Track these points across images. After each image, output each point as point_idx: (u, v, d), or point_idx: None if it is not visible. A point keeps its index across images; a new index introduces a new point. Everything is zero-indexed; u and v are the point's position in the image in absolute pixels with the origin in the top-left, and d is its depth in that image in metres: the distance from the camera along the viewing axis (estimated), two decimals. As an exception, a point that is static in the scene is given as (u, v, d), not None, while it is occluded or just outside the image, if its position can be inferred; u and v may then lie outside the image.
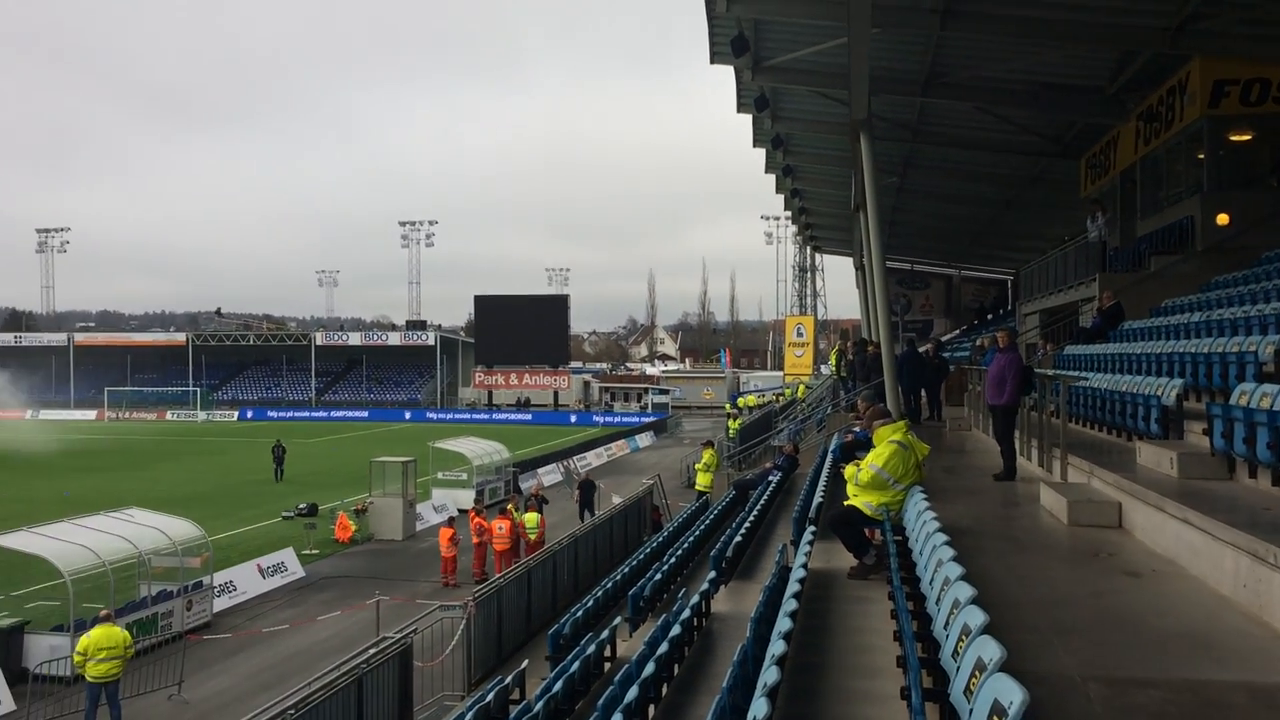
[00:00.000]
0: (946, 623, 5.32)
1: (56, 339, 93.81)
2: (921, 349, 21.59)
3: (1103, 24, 16.60)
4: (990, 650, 4.09)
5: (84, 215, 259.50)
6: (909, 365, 18.74)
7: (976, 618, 4.64)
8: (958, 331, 44.64)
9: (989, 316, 42.53)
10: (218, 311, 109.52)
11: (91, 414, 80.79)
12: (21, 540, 17.51)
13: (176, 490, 37.05)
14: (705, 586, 10.51)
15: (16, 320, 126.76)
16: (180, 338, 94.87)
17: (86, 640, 14.31)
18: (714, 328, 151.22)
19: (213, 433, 67.99)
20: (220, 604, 20.78)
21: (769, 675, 5.34)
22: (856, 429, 16.03)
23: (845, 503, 8.97)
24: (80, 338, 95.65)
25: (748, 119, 25.44)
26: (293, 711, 9.82)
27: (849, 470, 9.24)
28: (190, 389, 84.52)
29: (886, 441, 8.78)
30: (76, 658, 14.47)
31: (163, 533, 19.63)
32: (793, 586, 7.39)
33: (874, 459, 8.73)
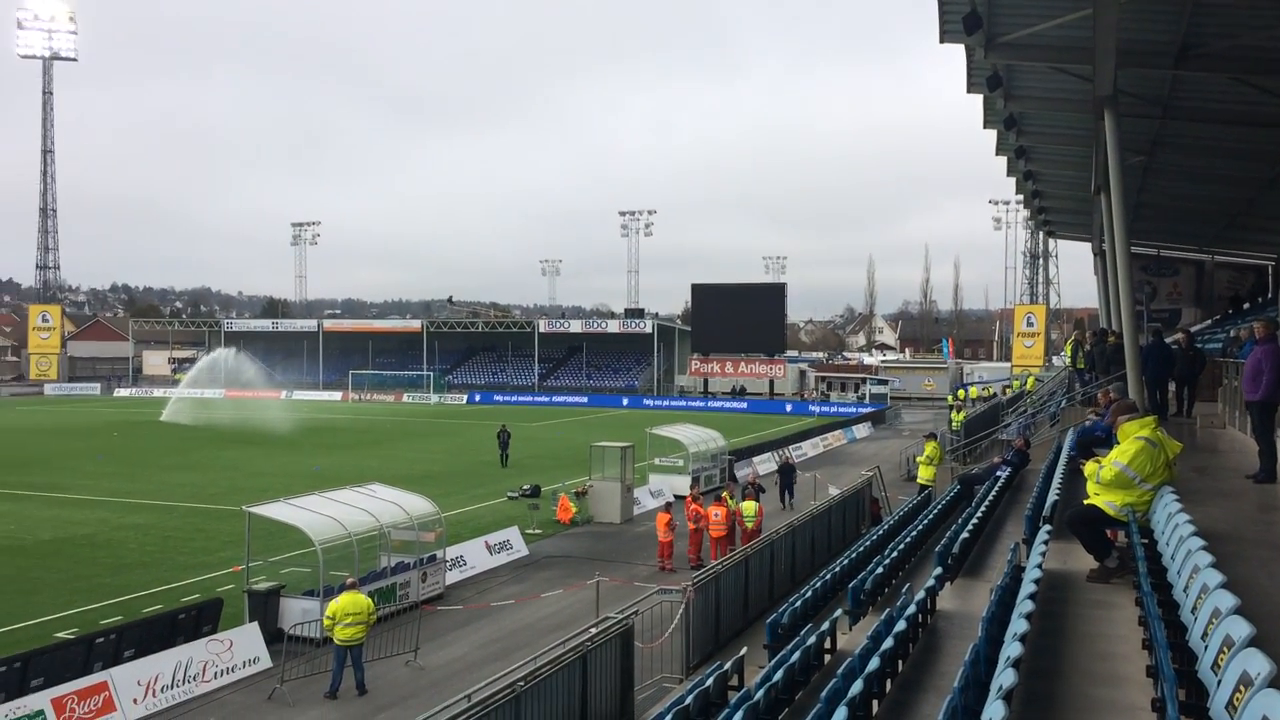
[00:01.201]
0: (1205, 633, 4.98)
1: (308, 325, 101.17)
2: (1171, 340, 20.13)
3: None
4: (1258, 664, 3.79)
5: (333, 210, 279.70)
6: (1154, 357, 17.52)
7: (1241, 629, 4.31)
8: (1209, 321, 41.28)
9: (1245, 305, 39.09)
10: (450, 300, 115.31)
11: (337, 395, 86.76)
12: (278, 510, 18.92)
13: (412, 468, 39.31)
14: (930, 583, 10.20)
15: (274, 308, 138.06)
16: (416, 324, 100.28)
17: (335, 606, 15.38)
18: (936, 316, 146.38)
19: (444, 415, 71.62)
20: (452, 577, 21.85)
21: (1005, 678, 5.13)
22: (1089, 422, 15.14)
23: (1085, 502, 8.48)
24: (328, 324, 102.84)
25: (975, 100, 24.39)
26: (523, 683, 10.23)
27: (1089, 467, 8.73)
28: (424, 373, 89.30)
29: (1133, 438, 8.23)
30: (326, 621, 15.58)
31: (401, 508, 20.81)
32: (1027, 587, 7.07)
33: (1119, 456, 8.20)
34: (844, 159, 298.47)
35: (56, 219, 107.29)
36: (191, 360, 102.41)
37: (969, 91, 23.07)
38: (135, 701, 14.35)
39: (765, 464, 40.09)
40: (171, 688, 14.92)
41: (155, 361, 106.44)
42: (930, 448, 26.08)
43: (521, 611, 19.81)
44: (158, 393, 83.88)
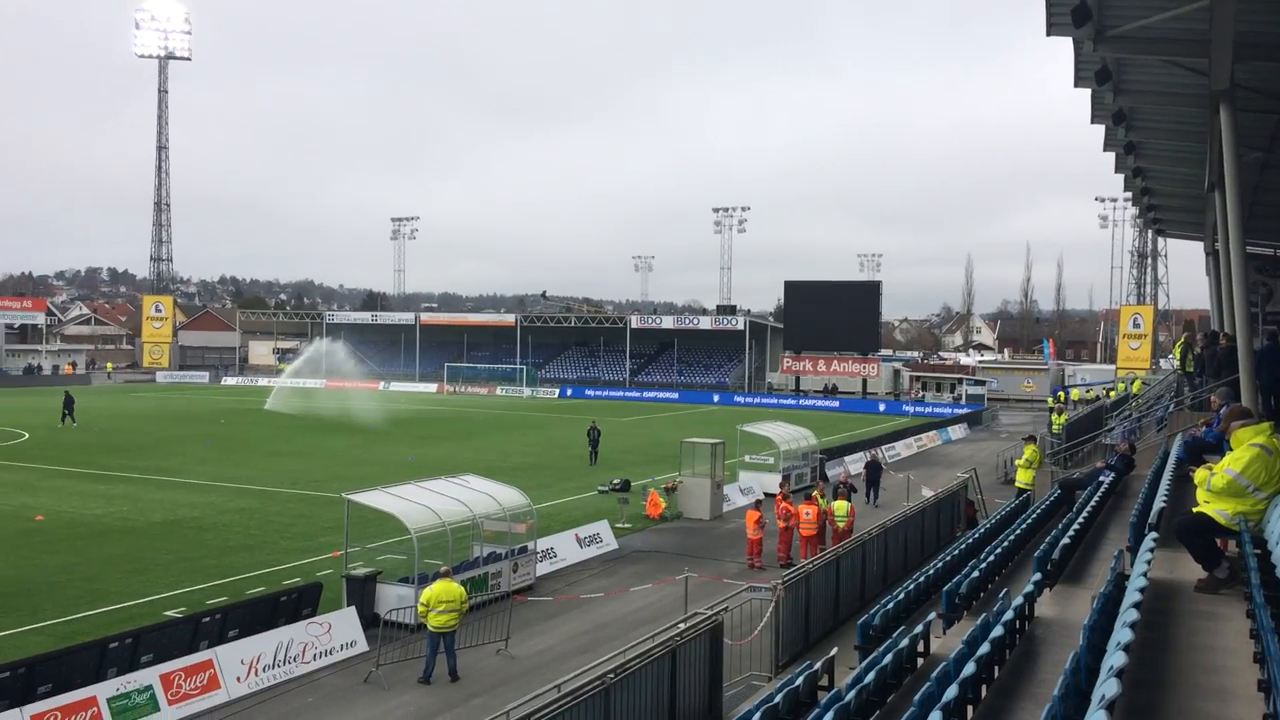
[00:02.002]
0: (1323, 649, 4.77)
1: (405, 318, 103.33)
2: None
3: None
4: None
5: (431, 206, 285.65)
6: (1270, 361, 16.81)
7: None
8: (1329, 325, 39.41)
9: (1368, 309, 37.24)
10: (543, 294, 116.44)
11: (433, 387, 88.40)
12: (376, 499, 19.35)
13: (504, 460, 39.87)
14: (1029, 588, 9.96)
15: (373, 300, 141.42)
16: (509, 318, 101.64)
17: (429, 593, 15.69)
18: (1037, 316, 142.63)
19: (536, 408, 72.44)
20: (542, 568, 22.10)
21: (1107, 688, 4.99)
22: (1202, 430, 14.60)
23: (1194, 509, 8.19)
24: (425, 317, 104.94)
25: (1081, 94, 23.66)
26: (612, 675, 10.30)
27: (1199, 474, 8.43)
28: (517, 366, 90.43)
29: (1247, 445, 7.91)
30: (420, 608, 15.91)
31: (494, 499, 21.11)
32: (1132, 596, 6.86)
33: (1231, 463, 7.90)
34: (940, 156, 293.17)
35: (170, 213, 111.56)
36: (295, 351, 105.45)
37: (1076, 86, 22.40)
38: (238, 680, 14.85)
39: (857, 464, 39.61)
40: (273, 667, 15.40)
41: (260, 351, 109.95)
42: (1029, 451, 25.43)
43: (610, 605, 19.94)
44: (262, 381, 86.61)
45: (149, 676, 13.80)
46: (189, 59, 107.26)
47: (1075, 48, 20.15)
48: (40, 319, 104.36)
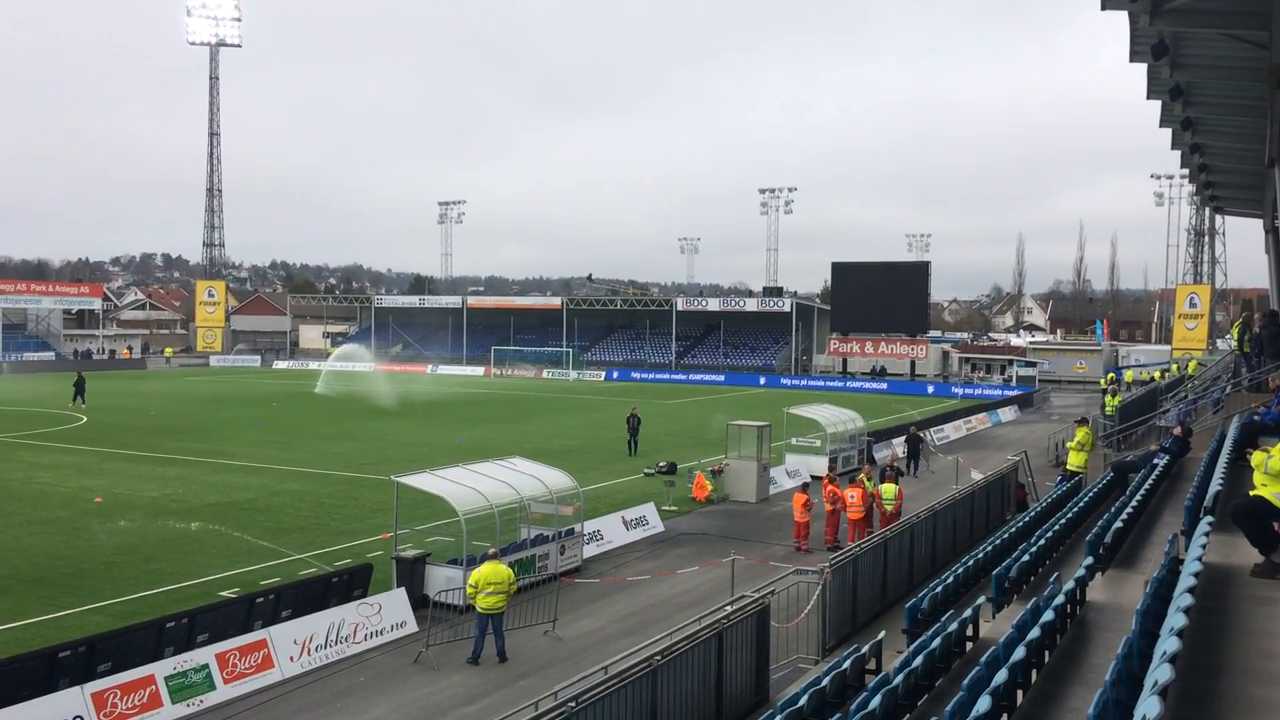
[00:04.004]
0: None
1: (452, 302, 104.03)
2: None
3: None
4: None
5: (477, 190, 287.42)
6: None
7: None
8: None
9: None
10: (589, 277, 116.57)
11: (480, 370, 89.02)
12: (424, 481, 19.52)
13: (550, 443, 40.07)
14: (1080, 572, 9.84)
15: (421, 284, 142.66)
16: (556, 301, 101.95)
17: (477, 575, 15.83)
18: (1090, 296, 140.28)
19: (582, 391, 72.67)
20: (589, 551, 22.20)
21: (1161, 673, 4.92)
22: (1260, 411, 14.30)
23: (1251, 493, 8.04)
24: (472, 301, 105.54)
25: (1135, 70, 23.17)
26: (659, 657, 10.34)
27: (1257, 457, 8.26)
28: (563, 349, 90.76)
29: (1307, 426, 7.75)
30: (468, 589, 16.06)
31: (541, 481, 21.23)
32: (1186, 580, 6.75)
33: (1291, 445, 7.74)
34: (988, 134, 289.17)
35: (222, 199, 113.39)
36: (345, 335, 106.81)
37: (1132, 60, 21.95)
38: (291, 659, 15.11)
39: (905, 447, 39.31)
40: (325, 647, 15.65)
41: (311, 335, 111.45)
42: (1082, 433, 25.06)
43: (657, 587, 20.00)
44: (313, 365, 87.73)
45: (205, 655, 14.08)
46: (239, 45, 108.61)
47: (1131, 22, 19.73)
48: (97, 304, 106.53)
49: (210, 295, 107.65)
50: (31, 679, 12.50)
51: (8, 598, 18.25)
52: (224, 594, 18.32)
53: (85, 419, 47.13)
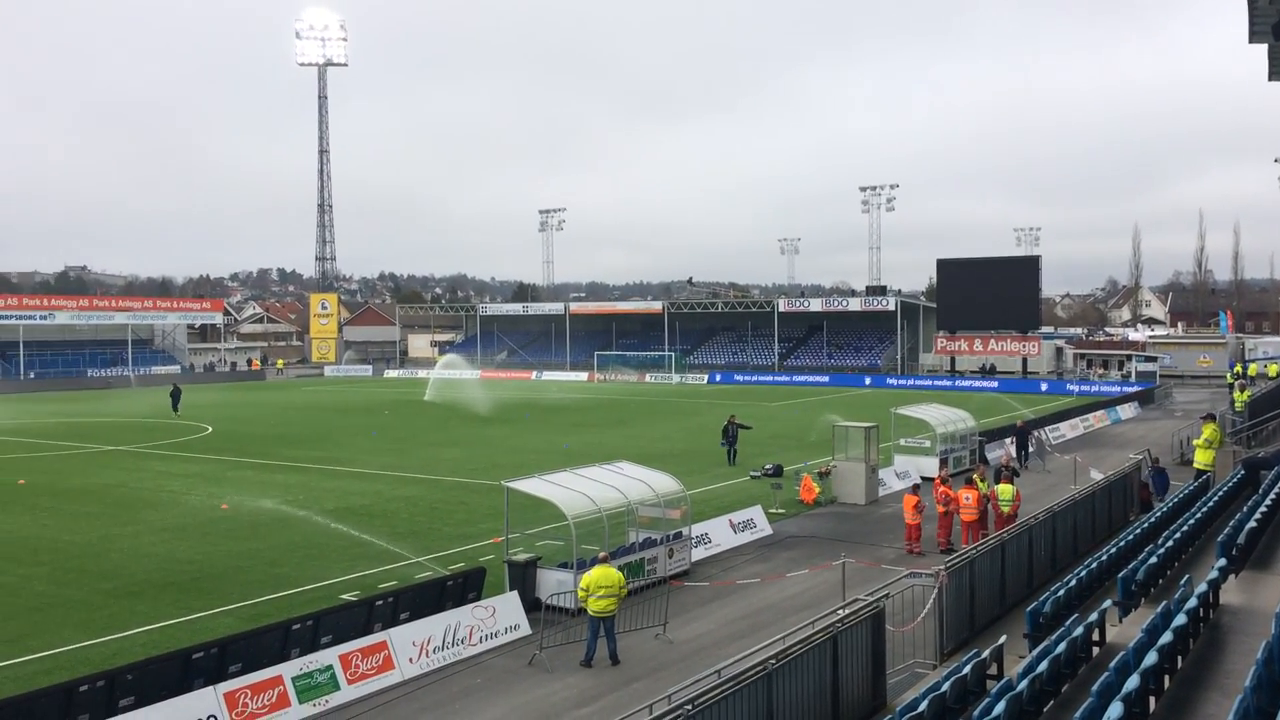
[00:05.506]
0: None
1: (554, 308, 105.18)
2: None
3: None
4: None
5: (576, 197, 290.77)
6: None
7: None
8: None
9: None
10: (689, 281, 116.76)
11: (583, 375, 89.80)
12: (533, 486, 19.75)
13: (655, 446, 40.19)
14: (1213, 575, 9.46)
15: (523, 292, 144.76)
16: (657, 306, 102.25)
17: (588, 578, 15.95)
18: (1212, 288, 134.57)
19: (685, 394, 72.68)
20: (697, 554, 22.16)
21: (1310, 680, 4.70)
22: None
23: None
24: (574, 307, 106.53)
25: (1255, 51, 22.20)
26: (774, 661, 10.27)
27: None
28: (665, 353, 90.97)
29: None
30: (580, 593, 16.19)
31: (648, 485, 21.27)
32: (1333, 583, 6.43)
33: None
34: (1094, 124, 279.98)
35: (332, 214, 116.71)
36: (451, 343, 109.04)
37: (1252, 41, 21.04)
38: (410, 661, 15.46)
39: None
40: (442, 649, 15.97)
41: (419, 344, 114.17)
42: (1209, 430, 24.06)
43: (767, 590, 19.87)
44: (421, 373, 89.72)
45: (329, 657, 14.51)
46: (345, 65, 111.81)
47: (1250, 1, 18.92)
48: (218, 319, 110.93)
49: (323, 307, 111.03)
50: (168, 680, 13.05)
51: (143, 601, 19.12)
52: (345, 597, 18.83)
53: (210, 429, 49.07)
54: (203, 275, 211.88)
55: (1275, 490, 13.81)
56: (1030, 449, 36.58)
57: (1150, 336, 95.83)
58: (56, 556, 22.72)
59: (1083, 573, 13.59)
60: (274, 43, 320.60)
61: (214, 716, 12.82)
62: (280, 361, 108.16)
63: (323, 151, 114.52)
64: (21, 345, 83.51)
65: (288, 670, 13.93)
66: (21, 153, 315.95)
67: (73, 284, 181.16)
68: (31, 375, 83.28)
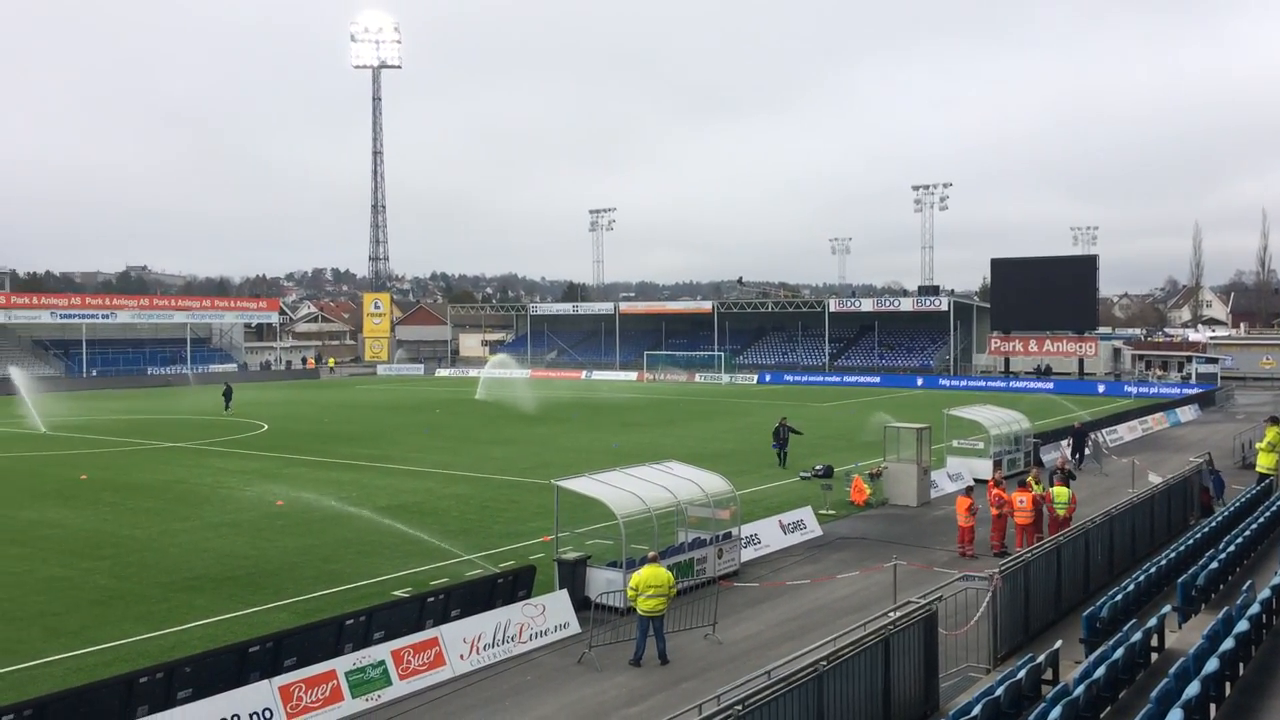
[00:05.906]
0: None
1: (604, 308, 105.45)
2: None
3: None
4: None
5: (626, 197, 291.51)
6: None
7: None
8: None
9: None
10: (739, 280, 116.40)
11: (633, 375, 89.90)
12: (583, 485, 19.80)
13: (705, 446, 40.13)
14: (1276, 580, 9.24)
15: (573, 291, 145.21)
16: (706, 305, 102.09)
17: (637, 578, 15.97)
18: (1275, 288, 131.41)
19: (735, 394, 72.48)
20: (746, 555, 22.09)
21: (1380, 690, 4.57)
22: None
23: None
24: (624, 306, 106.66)
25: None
26: (825, 663, 10.21)
27: None
28: (715, 353, 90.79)
29: None
30: (629, 592, 16.21)
31: (697, 485, 21.23)
32: (1404, 590, 6.25)
33: None
34: (1151, 123, 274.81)
35: (385, 214, 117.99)
36: (502, 342, 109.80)
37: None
38: (462, 657, 15.60)
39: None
40: (492, 646, 16.09)
41: (470, 343, 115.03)
42: (1272, 433, 23.48)
43: (817, 591, 19.76)
44: (473, 372, 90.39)
45: (382, 652, 14.68)
46: (399, 67, 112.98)
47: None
48: (274, 318, 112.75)
49: (376, 307, 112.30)
50: (225, 672, 13.29)
51: (201, 595, 19.48)
52: (397, 593, 19.03)
53: (266, 426, 49.86)
54: (259, 275, 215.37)
55: (1342, 495, 13.46)
56: (1086, 451, 36.21)
57: (1211, 337, 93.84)
58: (118, 551, 23.23)
59: (1141, 578, 13.35)
60: (330, 47, 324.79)
61: (269, 709, 13.03)
62: (332, 360, 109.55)
63: (376, 153, 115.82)
64: (84, 344, 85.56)
65: (341, 665, 14.13)
66: (87, 156, 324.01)
67: (133, 284, 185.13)
68: (94, 373, 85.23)
